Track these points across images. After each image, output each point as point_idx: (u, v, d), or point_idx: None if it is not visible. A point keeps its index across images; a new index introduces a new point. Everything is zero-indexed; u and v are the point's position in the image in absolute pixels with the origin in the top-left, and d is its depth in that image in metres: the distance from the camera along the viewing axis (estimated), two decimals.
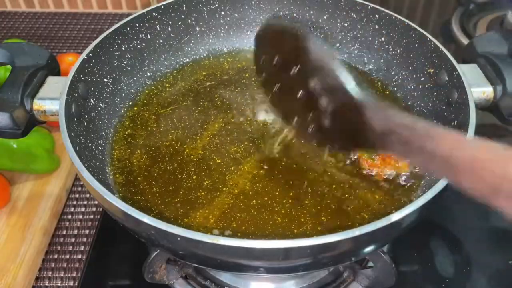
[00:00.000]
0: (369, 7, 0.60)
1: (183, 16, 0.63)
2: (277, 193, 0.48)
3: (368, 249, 0.39)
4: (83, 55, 0.51)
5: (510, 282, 0.55)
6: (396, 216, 0.35)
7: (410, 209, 0.35)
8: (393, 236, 0.41)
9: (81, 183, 0.74)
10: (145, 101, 0.60)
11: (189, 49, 0.66)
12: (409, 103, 0.58)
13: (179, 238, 0.34)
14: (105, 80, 0.55)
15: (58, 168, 0.72)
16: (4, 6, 1.15)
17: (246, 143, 0.54)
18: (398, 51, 0.60)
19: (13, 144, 0.64)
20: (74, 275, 0.63)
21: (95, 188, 0.37)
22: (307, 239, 0.33)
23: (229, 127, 0.56)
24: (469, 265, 0.56)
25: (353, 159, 0.52)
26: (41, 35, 1.08)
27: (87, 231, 0.68)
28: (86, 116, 0.51)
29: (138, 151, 0.53)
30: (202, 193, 0.48)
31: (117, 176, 0.50)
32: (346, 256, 0.39)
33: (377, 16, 0.60)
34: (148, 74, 0.62)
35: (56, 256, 0.65)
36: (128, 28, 0.58)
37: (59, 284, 0.62)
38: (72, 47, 1.04)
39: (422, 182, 0.49)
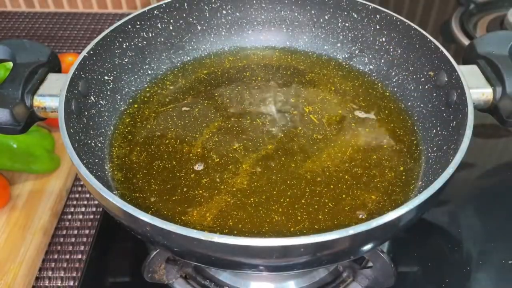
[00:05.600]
0: (370, 7, 0.60)
1: (184, 15, 0.63)
2: (274, 192, 0.48)
3: (364, 248, 0.39)
4: (84, 53, 0.51)
5: (510, 282, 0.55)
6: (390, 216, 0.35)
7: (404, 209, 0.35)
8: (389, 235, 0.41)
9: (81, 183, 0.74)
10: (145, 99, 0.60)
11: (190, 47, 0.66)
12: (409, 103, 0.58)
13: (174, 235, 0.34)
14: (106, 77, 0.55)
15: (58, 168, 0.72)
16: (4, 6, 1.16)
17: (245, 141, 0.54)
18: (399, 51, 0.60)
19: (13, 144, 0.65)
20: (74, 275, 0.63)
21: (92, 184, 0.37)
22: (301, 237, 0.33)
23: (229, 125, 0.56)
24: (469, 265, 0.56)
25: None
26: (41, 35, 1.08)
27: (87, 231, 0.68)
28: (86, 113, 0.51)
29: (138, 148, 0.53)
30: (200, 191, 0.48)
31: (116, 173, 0.50)
32: (342, 255, 0.39)
33: (378, 16, 0.60)
34: (149, 72, 0.62)
35: (56, 256, 0.65)
36: (130, 26, 0.58)
37: (59, 284, 0.62)
38: (72, 47, 1.05)
39: (420, 183, 0.49)
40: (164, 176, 0.50)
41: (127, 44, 0.58)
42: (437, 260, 0.57)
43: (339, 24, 0.64)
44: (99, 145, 0.52)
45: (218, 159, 0.52)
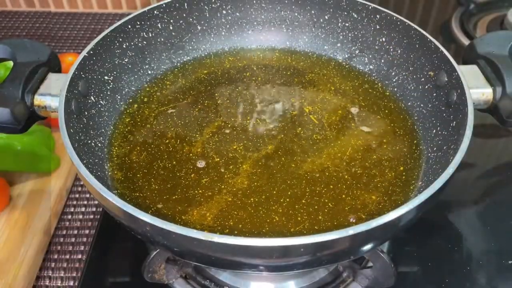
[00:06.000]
0: (370, 7, 0.60)
1: (184, 15, 0.63)
2: (274, 192, 0.48)
3: (364, 248, 0.39)
4: (84, 53, 0.51)
5: (510, 282, 0.55)
6: (390, 216, 0.35)
7: (404, 209, 0.35)
8: (389, 235, 0.41)
9: (81, 183, 0.74)
10: (145, 99, 0.60)
11: (190, 47, 0.66)
12: (409, 103, 0.58)
13: (174, 235, 0.34)
14: (106, 77, 0.55)
15: (58, 168, 0.72)
16: (4, 6, 1.16)
17: (245, 142, 0.54)
18: (399, 51, 0.60)
19: (18, 146, 0.65)
20: (74, 275, 0.63)
21: (92, 184, 0.37)
22: (301, 237, 0.33)
23: (229, 125, 0.56)
24: (469, 265, 0.56)
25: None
26: (41, 35, 1.08)
27: (87, 231, 0.68)
28: (86, 113, 0.51)
29: (138, 148, 0.53)
30: (200, 191, 0.48)
31: (115, 173, 0.50)
32: (342, 255, 0.39)
33: (378, 16, 0.60)
34: (149, 72, 0.62)
35: (56, 256, 0.65)
36: (130, 26, 0.58)
37: (59, 284, 0.62)
38: (72, 47, 1.05)
39: (420, 183, 0.49)
40: (164, 175, 0.50)
41: (127, 44, 0.58)
42: (437, 260, 0.57)
43: (339, 24, 0.64)
44: (99, 145, 0.52)
45: (218, 159, 0.52)
